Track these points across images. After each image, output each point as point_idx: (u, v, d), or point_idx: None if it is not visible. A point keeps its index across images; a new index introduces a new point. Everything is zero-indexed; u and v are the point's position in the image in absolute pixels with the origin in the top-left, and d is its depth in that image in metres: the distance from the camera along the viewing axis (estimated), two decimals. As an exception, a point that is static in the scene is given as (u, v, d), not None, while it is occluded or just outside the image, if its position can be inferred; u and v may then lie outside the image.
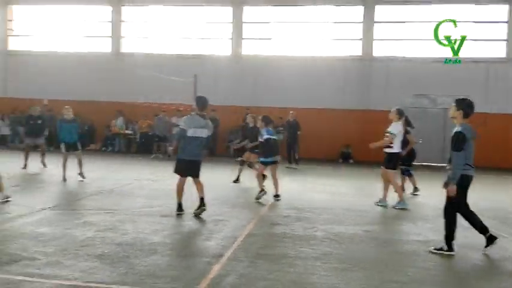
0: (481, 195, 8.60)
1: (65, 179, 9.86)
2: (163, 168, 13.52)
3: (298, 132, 14.62)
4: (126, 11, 19.13)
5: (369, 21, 17.67)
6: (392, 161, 8.31)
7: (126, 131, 18.35)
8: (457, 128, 5.29)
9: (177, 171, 7.08)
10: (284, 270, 4.67)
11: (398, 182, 9.14)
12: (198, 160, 7.04)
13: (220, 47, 18.68)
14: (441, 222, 5.57)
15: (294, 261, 4.95)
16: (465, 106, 5.33)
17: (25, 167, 11.63)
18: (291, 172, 13.15)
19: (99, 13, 19.28)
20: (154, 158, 16.40)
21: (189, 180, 7.14)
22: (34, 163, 11.95)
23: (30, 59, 19.18)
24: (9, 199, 7.37)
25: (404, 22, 17.49)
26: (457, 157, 5.19)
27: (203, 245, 5.46)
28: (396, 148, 8.21)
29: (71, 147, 10.19)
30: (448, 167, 5.47)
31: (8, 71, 19.27)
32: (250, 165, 10.52)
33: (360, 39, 17.81)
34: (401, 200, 8.26)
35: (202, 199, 6.92)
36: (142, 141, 17.77)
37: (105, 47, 19.24)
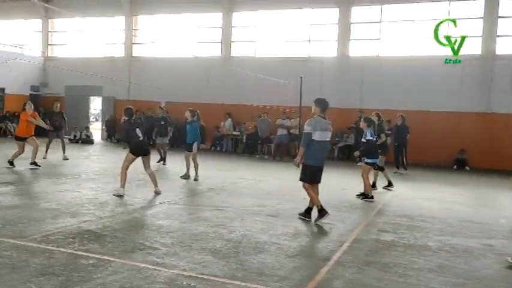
0: None
1: (188, 176, 10.56)
2: (268, 169, 13.86)
3: (407, 136, 13.90)
4: (236, 16, 19.90)
5: (490, 16, 16.17)
6: None
7: (234, 132, 19.10)
8: None
9: (306, 179, 6.70)
10: (394, 279, 4.48)
11: None
12: (323, 166, 6.77)
13: (326, 49, 18.53)
14: None
15: (405, 271, 4.72)
16: None
17: (159, 160, 13.05)
18: (399, 177, 12.56)
19: (211, 20, 20.32)
20: (259, 158, 16.83)
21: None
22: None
23: (150, 64, 20.93)
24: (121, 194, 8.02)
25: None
26: None
27: (310, 247, 5.46)
28: None
29: (188, 148, 10.78)
30: None
31: (131, 75, 21.21)
32: (381, 169, 10.21)
33: (480, 36, 16.37)
34: None
35: (320, 207, 6.65)
36: (248, 142, 18.35)
37: (216, 51, 20.24)
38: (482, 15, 16.32)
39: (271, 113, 17.55)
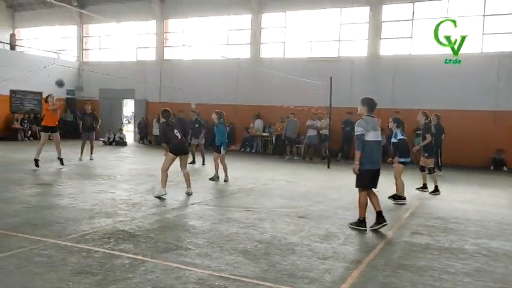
0: None
1: (217, 177, 10.66)
2: (298, 170, 13.81)
3: (443, 137, 13.54)
4: (265, 18, 19.94)
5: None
6: None
7: (263, 133, 19.13)
8: None
9: (362, 184, 6.24)
10: (429, 283, 4.38)
11: None
12: (380, 168, 6.30)
13: (356, 48, 18.32)
14: None
15: (441, 275, 4.61)
16: None
17: (191, 162, 13.31)
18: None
19: (240, 22, 20.43)
20: (288, 159, 16.79)
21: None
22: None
23: (181, 67, 21.25)
24: (164, 196, 8.23)
25: None
26: None
27: (341, 249, 5.40)
28: None
29: (216, 149, 10.88)
30: None
31: (162, 78, 21.58)
32: (430, 171, 10.01)
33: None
34: None
35: (380, 213, 6.34)
36: (278, 143, 18.34)
37: (245, 53, 20.34)
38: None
39: (301, 114, 17.48)
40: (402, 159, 8.61)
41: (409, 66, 17.00)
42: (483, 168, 15.49)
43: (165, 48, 22.32)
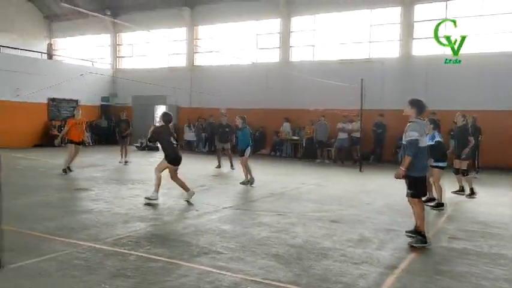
0: None
1: (248, 181, 10.61)
2: (329, 173, 13.68)
3: (480, 138, 13.12)
4: (295, 21, 19.91)
5: None
6: None
7: (293, 137, 19.07)
8: None
9: (420, 193, 5.80)
10: (468, 290, 4.25)
11: None
12: None
13: (387, 49, 18.02)
14: None
15: (480, 281, 4.46)
16: None
17: (219, 164, 13.51)
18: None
19: (270, 26, 20.48)
20: (319, 163, 16.67)
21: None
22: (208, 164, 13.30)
23: (211, 72, 21.48)
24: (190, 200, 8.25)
25: None
26: None
27: (375, 254, 5.31)
28: None
29: (241, 153, 10.82)
30: None
31: (192, 84, 21.88)
32: (464, 173, 9.74)
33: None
34: None
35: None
36: (308, 147, 18.23)
37: (274, 57, 20.36)
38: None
39: (332, 117, 17.32)
40: (440, 164, 8.25)
41: (442, 66, 16.54)
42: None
43: (195, 54, 22.62)
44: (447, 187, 9.79)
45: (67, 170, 11.62)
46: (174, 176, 8.33)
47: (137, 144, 20.98)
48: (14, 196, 7.80)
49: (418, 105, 5.81)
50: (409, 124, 5.75)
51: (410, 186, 5.73)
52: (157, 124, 8.39)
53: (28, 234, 5.73)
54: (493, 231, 6.57)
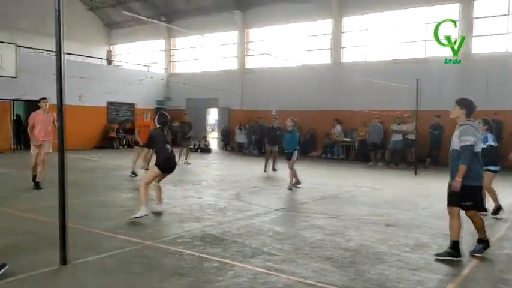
0: None
1: (293, 186, 10.50)
2: (382, 176, 13.34)
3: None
4: (346, 22, 19.62)
5: None
6: None
7: (345, 139, 18.77)
8: None
9: (477, 205, 5.25)
10: (537, 301, 4.00)
11: None
12: None
13: (445, 48, 17.29)
14: None
15: (550, 293, 4.19)
16: None
17: (266, 169, 13.36)
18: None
19: (321, 27, 20.31)
20: (372, 165, 16.30)
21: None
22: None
23: (262, 75, 21.61)
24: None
25: None
26: None
27: (433, 260, 5.12)
28: None
29: (288, 155, 10.59)
30: None
31: (244, 86, 22.12)
32: None
33: None
34: None
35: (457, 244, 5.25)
36: (361, 149, 17.88)
37: (325, 58, 20.17)
38: None
39: (385, 118, 16.90)
40: (492, 167, 7.53)
41: (505, 64, 15.71)
42: None
43: (246, 57, 22.86)
44: (510, 192, 9.29)
45: (135, 172, 11.80)
46: (155, 181, 7.38)
47: (190, 146, 21.49)
48: (76, 196, 8.23)
49: (468, 106, 5.22)
50: (462, 127, 5.15)
51: (467, 197, 5.08)
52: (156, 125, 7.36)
53: (90, 232, 6.03)
54: None
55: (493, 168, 7.64)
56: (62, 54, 4.70)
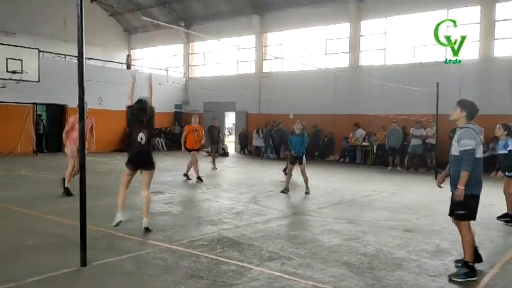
0: None
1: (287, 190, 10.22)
2: (401, 181, 13.18)
3: None
4: (364, 25, 19.51)
5: None
6: None
7: (363, 143, 18.62)
8: None
9: (470, 215, 4.81)
10: (561, 310, 3.89)
11: None
12: None
13: (465, 51, 17.02)
14: None
15: None
16: None
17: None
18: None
19: (339, 30, 20.24)
20: (391, 170, 16.12)
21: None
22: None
23: (279, 79, 21.63)
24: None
25: None
26: None
27: (454, 266, 5.03)
28: None
29: (298, 159, 10.31)
30: None
31: (261, 90, 22.16)
32: None
33: None
34: None
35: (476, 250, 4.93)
36: (379, 153, 17.71)
37: (343, 61, 20.08)
38: None
39: (404, 122, 16.72)
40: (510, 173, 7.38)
41: (528, 68, 15.39)
42: None
43: (264, 61, 22.92)
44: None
45: (188, 176, 11.93)
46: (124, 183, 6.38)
47: (207, 150, 21.61)
48: (96, 198, 8.35)
49: (469, 108, 4.86)
50: (461, 131, 4.82)
51: (462, 205, 4.73)
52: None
53: (110, 234, 6.11)
54: None
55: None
56: (83, 59, 4.80)
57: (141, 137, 6.15)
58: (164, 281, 4.41)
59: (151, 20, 15.69)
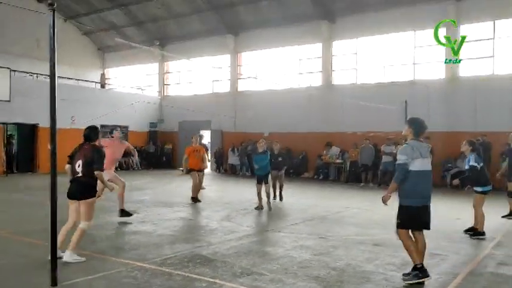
0: None
1: (261, 207, 10.33)
2: (373, 197, 13.45)
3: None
4: (336, 45, 20.06)
5: None
6: None
7: (337, 160, 18.94)
8: None
9: (404, 225, 5.13)
10: (517, 317, 4.10)
11: None
12: (429, 205, 5.20)
13: (432, 71, 17.72)
14: None
15: (531, 309, 4.29)
16: None
17: (274, 196, 12.04)
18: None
19: (311, 50, 20.74)
20: (363, 186, 16.44)
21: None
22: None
23: (254, 98, 21.89)
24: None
25: None
26: None
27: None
28: None
29: (264, 179, 10.37)
30: None
31: (236, 109, 22.38)
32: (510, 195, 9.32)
33: None
34: None
35: (421, 266, 5.09)
36: (352, 170, 18.05)
37: (316, 81, 20.54)
38: None
39: (376, 140, 17.15)
40: (479, 188, 7.64)
41: (492, 87, 16.08)
42: None
43: (238, 80, 23.20)
44: (498, 211, 9.44)
45: (196, 199, 11.40)
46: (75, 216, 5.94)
47: (182, 168, 21.54)
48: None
49: (415, 125, 5.24)
50: (401, 147, 5.36)
51: (398, 215, 5.15)
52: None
53: (81, 254, 6.06)
54: (547, 258, 6.27)
55: (479, 189, 7.69)
56: (55, 80, 4.84)
57: (79, 165, 5.84)
58: (135, 298, 4.43)
59: (125, 41, 15.74)
